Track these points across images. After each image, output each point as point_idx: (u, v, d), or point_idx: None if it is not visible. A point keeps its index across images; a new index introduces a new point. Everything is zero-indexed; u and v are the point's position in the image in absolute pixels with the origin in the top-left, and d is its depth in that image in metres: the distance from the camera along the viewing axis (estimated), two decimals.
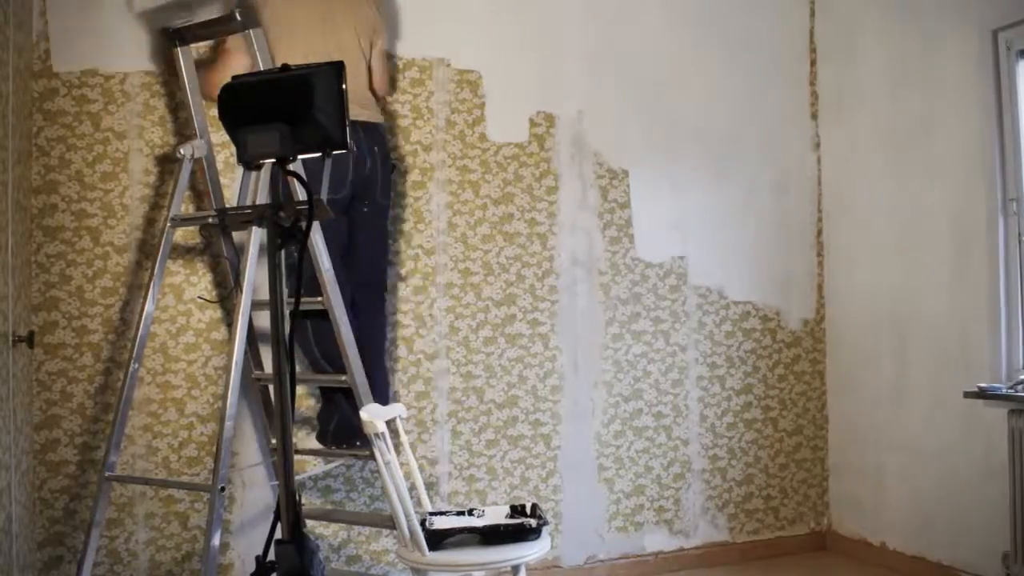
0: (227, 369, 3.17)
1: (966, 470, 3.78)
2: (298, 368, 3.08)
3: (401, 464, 3.23)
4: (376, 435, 2.96)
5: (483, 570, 3.11)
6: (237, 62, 3.37)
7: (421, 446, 3.95)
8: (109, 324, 3.57)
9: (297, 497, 2.06)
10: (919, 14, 4.04)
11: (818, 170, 4.68)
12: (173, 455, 3.64)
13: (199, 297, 3.67)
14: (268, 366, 3.57)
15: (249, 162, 2.04)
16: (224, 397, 3.13)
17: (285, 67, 2.06)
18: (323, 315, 3.34)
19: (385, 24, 3.80)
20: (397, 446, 3.41)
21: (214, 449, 3.64)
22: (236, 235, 3.55)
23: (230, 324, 3.61)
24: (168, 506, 3.63)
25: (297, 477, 3.24)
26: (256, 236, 3.17)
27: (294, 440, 3.03)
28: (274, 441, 3.58)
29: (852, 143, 4.47)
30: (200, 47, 3.63)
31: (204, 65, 3.58)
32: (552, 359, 4.18)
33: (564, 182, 4.24)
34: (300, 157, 2.14)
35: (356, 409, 3.29)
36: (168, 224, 3.39)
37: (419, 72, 4.02)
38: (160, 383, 3.63)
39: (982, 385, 3.57)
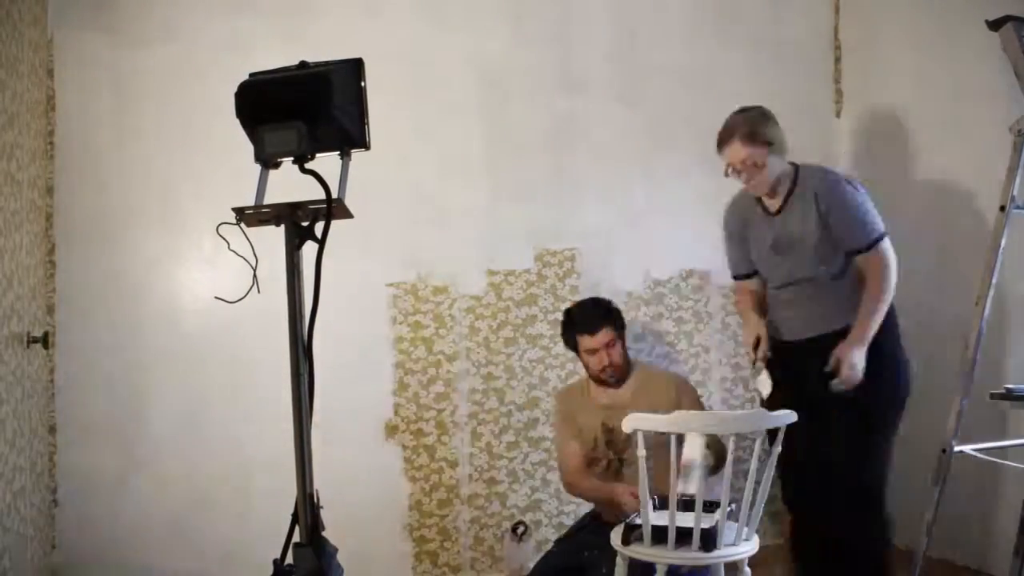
0: None
1: (993, 472, 3.71)
2: None
3: None
4: None
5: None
6: None
7: (440, 448, 3.91)
8: (124, 325, 3.55)
9: (315, 500, 2.02)
10: (944, 10, 3.96)
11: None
12: None
13: (216, 297, 3.63)
14: None
15: (266, 161, 2.00)
16: None
17: (303, 64, 2.02)
18: None
19: None
20: None
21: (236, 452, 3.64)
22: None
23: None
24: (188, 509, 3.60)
25: None
26: None
27: None
28: None
29: (877, 141, 4.40)
30: None
31: None
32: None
33: None
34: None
35: None
36: None
37: None
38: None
39: (1009, 387, 3.51)
